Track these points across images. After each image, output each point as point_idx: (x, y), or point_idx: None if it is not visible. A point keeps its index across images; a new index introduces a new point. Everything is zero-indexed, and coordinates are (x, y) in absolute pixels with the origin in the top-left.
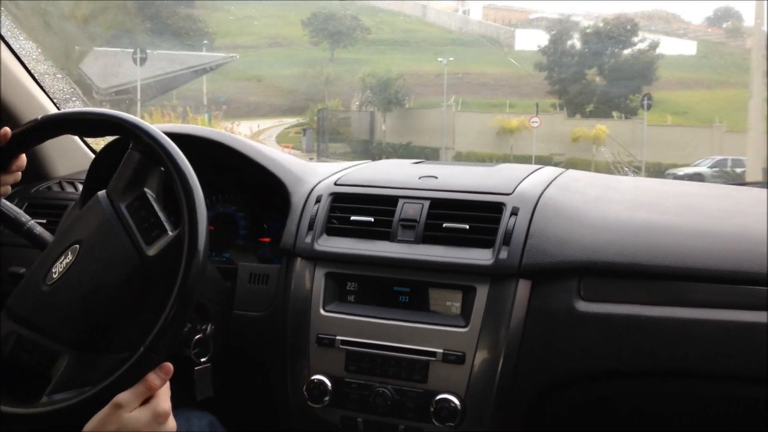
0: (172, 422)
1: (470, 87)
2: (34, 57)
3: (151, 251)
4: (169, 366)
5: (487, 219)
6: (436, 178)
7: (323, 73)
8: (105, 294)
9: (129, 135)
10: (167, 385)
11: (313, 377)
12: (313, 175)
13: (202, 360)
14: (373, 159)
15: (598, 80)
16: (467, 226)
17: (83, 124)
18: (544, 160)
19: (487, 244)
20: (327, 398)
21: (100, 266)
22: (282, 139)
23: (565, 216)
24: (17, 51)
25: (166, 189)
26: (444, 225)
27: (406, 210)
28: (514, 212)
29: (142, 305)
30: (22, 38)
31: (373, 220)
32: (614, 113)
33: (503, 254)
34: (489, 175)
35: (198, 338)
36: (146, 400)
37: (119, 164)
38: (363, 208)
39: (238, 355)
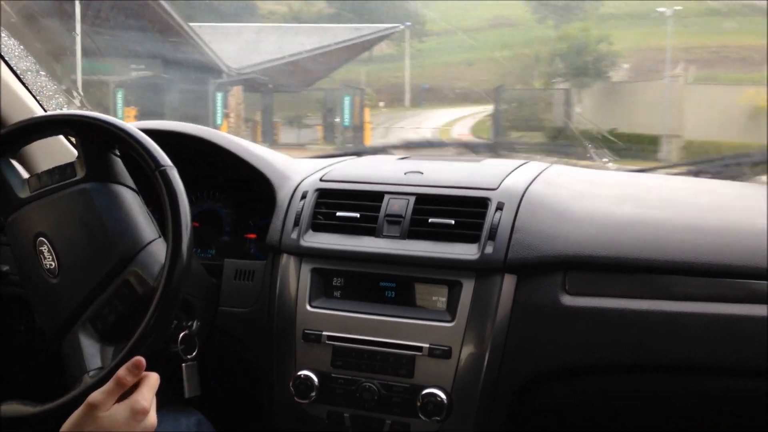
0: (151, 419)
1: (726, 62)
2: (16, 54)
3: (83, 173)
4: (141, 360)
5: (473, 214)
6: (422, 173)
7: (539, 51)
8: (104, 225)
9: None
10: (151, 382)
11: (299, 373)
12: (299, 171)
13: (189, 357)
14: (566, 153)
15: None
16: (453, 221)
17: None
18: None
19: (472, 239)
20: (313, 394)
21: (76, 224)
22: (479, 128)
23: (550, 211)
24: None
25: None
26: (430, 220)
27: (392, 205)
28: (500, 207)
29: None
30: (3, 35)
31: (358, 215)
32: None
33: (489, 249)
34: (475, 170)
35: (184, 335)
36: (125, 396)
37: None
38: (349, 204)
39: (225, 352)
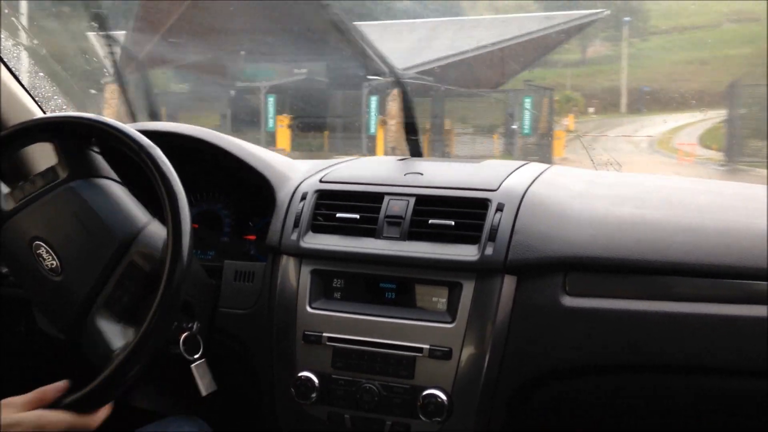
0: None
1: None
2: (14, 55)
3: (66, 174)
4: (60, 384)
5: (473, 215)
6: (422, 174)
7: None
8: (98, 216)
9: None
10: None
11: (300, 374)
12: (298, 172)
13: (195, 356)
14: None
15: None
16: (453, 223)
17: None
18: None
19: (472, 240)
20: (314, 395)
21: (70, 220)
22: (710, 136)
23: (550, 212)
24: None
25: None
26: (430, 221)
27: (392, 207)
28: (500, 208)
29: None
30: (2, 37)
31: (358, 216)
32: None
33: (489, 250)
34: (475, 171)
35: (185, 336)
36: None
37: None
38: (348, 205)
39: (225, 353)
